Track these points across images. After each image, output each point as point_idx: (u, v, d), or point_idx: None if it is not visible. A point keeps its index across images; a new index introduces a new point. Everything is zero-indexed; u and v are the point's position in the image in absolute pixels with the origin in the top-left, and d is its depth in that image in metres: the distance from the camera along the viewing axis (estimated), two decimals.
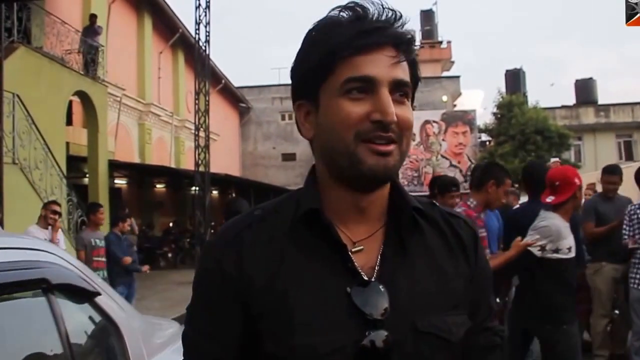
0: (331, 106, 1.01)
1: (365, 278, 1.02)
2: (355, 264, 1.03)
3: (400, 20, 1.03)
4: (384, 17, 1.02)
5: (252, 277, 1.02)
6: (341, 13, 1.03)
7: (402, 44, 1.02)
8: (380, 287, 1.01)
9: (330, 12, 1.05)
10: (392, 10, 1.03)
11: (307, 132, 1.09)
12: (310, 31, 1.06)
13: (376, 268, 1.04)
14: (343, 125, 0.99)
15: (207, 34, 16.12)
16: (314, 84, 1.04)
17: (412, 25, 1.12)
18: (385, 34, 1.00)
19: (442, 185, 5.57)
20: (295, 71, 1.09)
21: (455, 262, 1.11)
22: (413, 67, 1.05)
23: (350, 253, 1.03)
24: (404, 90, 1.02)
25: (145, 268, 8.51)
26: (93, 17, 15.13)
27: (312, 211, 1.03)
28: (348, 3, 1.04)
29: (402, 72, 1.02)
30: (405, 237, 1.07)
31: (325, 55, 1.00)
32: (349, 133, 0.99)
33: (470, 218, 2.38)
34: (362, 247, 1.05)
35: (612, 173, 6.13)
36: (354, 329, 0.97)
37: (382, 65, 0.99)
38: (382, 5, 1.02)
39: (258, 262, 1.03)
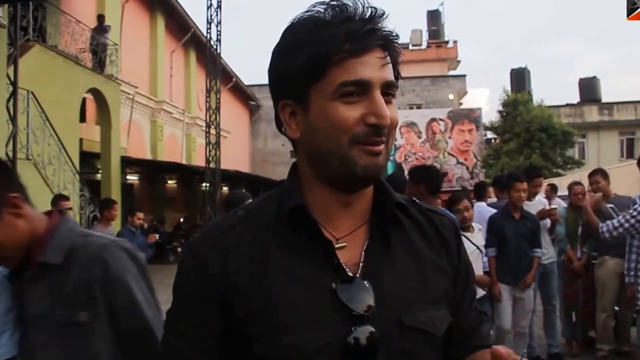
0: (325, 110, 0.99)
1: (350, 274, 1.01)
2: (340, 260, 1.02)
3: (384, 18, 1.01)
4: (368, 15, 0.99)
5: (237, 277, 1.00)
6: (325, 11, 1.01)
7: (389, 45, 1.01)
8: (365, 283, 1.00)
9: (311, 8, 1.03)
10: (374, 7, 1.01)
11: (292, 133, 1.06)
12: (292, 28, 1.04)
13: (360, 264, 1.03)
14: (338, 129, 0.98)
15: (218, 33, 16.30)
16: (302, 85, 1.01)
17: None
18: (375, 36, 0.99)
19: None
20: (277, 70, 1.06)
21: (436, 258, 1.11)
22: (395, 66, 1.04)
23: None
24: (392, 91, 1.02)
25: (152, 237, 8.62)
26: (101, 17, 15.43)
27: (297, 208, 1.02)
28: (330, 0, 1.02)
29: (390, 73, 1.01)
30: (389, 232, 1.06)
31: (316, 59, 0.98)
32: (344, 137, 0.98)
33: None
34: (344, 243, 1.04)
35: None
36: (339, 326, 0.96)
37: (373, 68, 0.98)
38: (363, 3, 1.00)
39: (242, 263, 1.01)
